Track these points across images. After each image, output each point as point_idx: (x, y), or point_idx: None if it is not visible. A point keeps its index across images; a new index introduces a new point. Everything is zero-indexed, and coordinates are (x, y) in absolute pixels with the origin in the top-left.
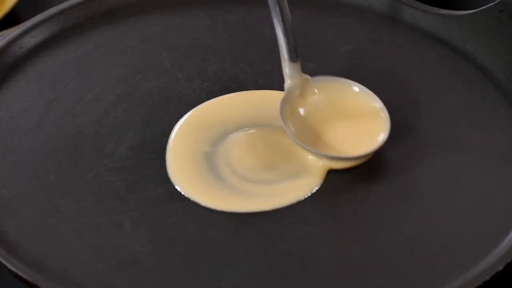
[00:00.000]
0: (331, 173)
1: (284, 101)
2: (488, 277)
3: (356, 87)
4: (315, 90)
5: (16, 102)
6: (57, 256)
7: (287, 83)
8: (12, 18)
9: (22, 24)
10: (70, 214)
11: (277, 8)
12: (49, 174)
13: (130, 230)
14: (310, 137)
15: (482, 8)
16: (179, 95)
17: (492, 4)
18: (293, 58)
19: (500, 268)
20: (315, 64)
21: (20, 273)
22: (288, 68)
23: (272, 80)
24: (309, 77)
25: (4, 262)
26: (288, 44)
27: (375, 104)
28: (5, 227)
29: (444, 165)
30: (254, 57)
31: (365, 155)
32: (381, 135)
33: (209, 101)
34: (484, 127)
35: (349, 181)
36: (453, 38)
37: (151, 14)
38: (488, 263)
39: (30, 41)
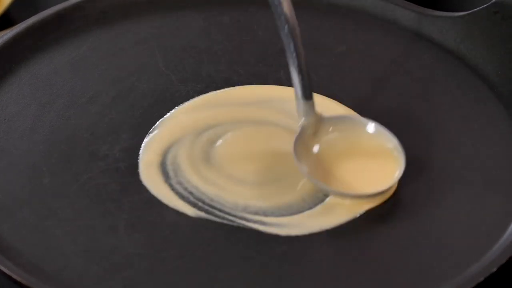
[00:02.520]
0: None
1: (298, 140)
2: (482, 279)
3: (371, 127)
4: (329, 128)
5: (10, 105)
6: (52, 258)
7: (301, 120)
8: (6, 20)
9: (16, 26)
10: (65, 216)
11: (292, 46)
12: (44, 177)
13: (125, 232)
14: (324, 175)
15: (476, 9)
16: (173, 97)
17: (485, 5)
18: (307, 96)
19: (494, 269)
20: (309, 66)
21: (14, 276)
22: (302, 106)
23: (266, 81)
24: (323, 115)
25: None
26: (303, 81)
27: (389, 144)
28: (0, 230)
29: (438, 167)
30: (248, 59)
31: (377, 193)
32: (394, 175)
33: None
34: (478, 129)
35: None
36: (447, 39)
37: (145, 16)
38: (482, 265)
39: (24, 43)
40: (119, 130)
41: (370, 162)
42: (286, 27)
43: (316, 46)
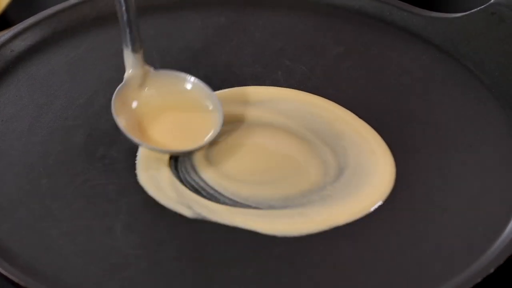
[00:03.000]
0: None
1: (120, 91)
2: (479, 280)
3: (190, 84)
4: (154, 83)
5: (7, 106)
6: (50, 259)
7: (127, 72)
8: (3, 21)
9: (13, 27)
10: (62, 217)
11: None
12: (41, 178)
13: (122, 233)
14: (140, 129)
15: (473, 10)
16: None
17: (483, 6)
18: (135, 48)
19: (491, 271)
20: (307, 67)
21: (12, 277)
22: (129, 58)
23: (263, 82)
24: (151, 69)
25: None
26: (131, 34)
27: (208, 102)
28: None
29: (436, 168)
30: (245, 59)
31: (188, 151)
32: (209, 134)
33: None
34: (475, 129)
35: None
36: (444, 40)
37: (142, 17)
38: (480, 266)
39: (22, 44)
40: (116, 131)
41: (188, 119)
42: None
43: (314, 47)
